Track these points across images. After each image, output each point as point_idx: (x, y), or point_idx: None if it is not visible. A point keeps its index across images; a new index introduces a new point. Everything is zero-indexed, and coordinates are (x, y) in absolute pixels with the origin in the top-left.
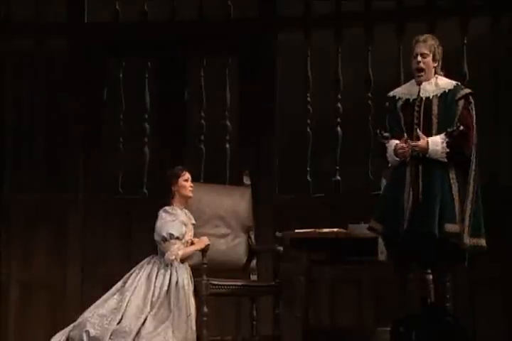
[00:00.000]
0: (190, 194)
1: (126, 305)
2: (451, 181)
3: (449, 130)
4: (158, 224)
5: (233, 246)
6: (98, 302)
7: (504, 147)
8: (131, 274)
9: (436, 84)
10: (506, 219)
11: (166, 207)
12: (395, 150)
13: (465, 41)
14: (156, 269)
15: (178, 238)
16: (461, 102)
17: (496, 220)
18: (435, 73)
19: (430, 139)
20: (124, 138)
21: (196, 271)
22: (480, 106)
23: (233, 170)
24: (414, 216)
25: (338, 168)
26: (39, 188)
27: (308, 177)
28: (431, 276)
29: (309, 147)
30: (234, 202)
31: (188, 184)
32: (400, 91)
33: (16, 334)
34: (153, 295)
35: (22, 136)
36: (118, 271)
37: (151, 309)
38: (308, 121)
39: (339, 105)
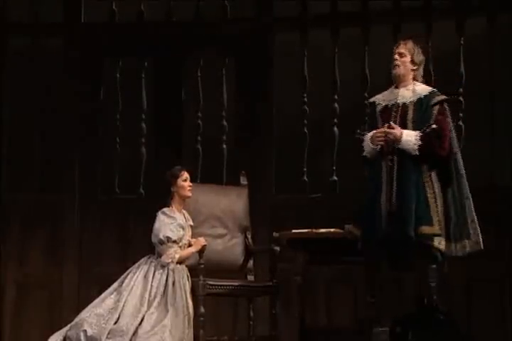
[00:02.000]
0: (189, 194)
1: (124, 304)
2: (426, 184)
3: (422, 129)
4: (156, 226)
5: (230, 246)
6: (95, 301)
7: (502, 147)
8: (128, 274)
9: (414, 91)
10: (505, 219)
11: (165, 209)
12: (372, 137)
13: (462, 41)
14: (152, 269)
15: (175, 241)
16: (436, 108)
17: (495, 220)
18: (414, 78)
19: (405, 131)
20: (121, 138)
21: (193, 271)
22: (477, 106)
23: (230, 171)
24: (390, 219)
25: (334, 168)
26: (35, 188)
27: (305, 178)
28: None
29: (306, 147)
30: (231, 202)
31: (187, 184)
32: (380, 98)
33: (13, 334)
34: (150, 295)
35: (18, 136)
36: (114, 271)
37: (148, 308)
38: (305, 121)
39: (336, 105)
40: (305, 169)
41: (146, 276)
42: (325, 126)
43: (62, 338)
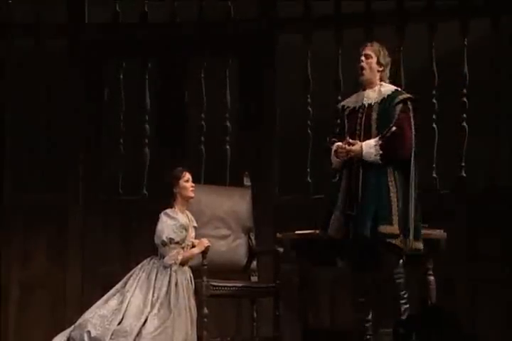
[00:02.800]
0: (192, 194)
1: (127, 305)
2: (390, 183)
3: (382, 133)
4: (159, 227)
5: (233, 247)
6: (99, 302)
7: (504, 148)
8: (131, 275)
9: (379, 91)
10: (505, 220)
11: (168, 210)
12: (335, 151)
13: (465, 42)
14: (155, 270)
15: (177, 243)
16: (399, 106)
17: (495, 220)
18: (381, 79)
19: (364, 143)
20: (124, 138)
21: (196, 272)
22: (480, 106)
23: (233, 171)
24: (350, 219)
25: None
26: (39, 189)
27: (309, 178)
28: (432, 277)
29: (309, 148)
30: (234, 203)
31: (189, 184)
32: (349, 101)
33: (16, 334)
34: (153, 296)
35: (22, 137)
36: (118, 272)
37: (152, 309)
38: (309, 122)
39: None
40: (308, 170)
41: (149, 277)
42: (328, 126)
43: (65, 339)
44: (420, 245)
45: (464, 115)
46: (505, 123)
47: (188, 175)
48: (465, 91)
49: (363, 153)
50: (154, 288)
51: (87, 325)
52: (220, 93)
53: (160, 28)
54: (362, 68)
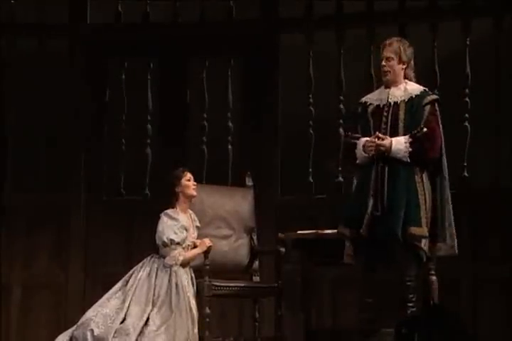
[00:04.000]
0: (195, 193)
1: (129, 304)
2: (418, 185)
3: (413, 132)
4: (160, 228)
5: (235, 247)
6: (100, 301)
7: (505, 148)
8: (132, 273)
9: (405, 90)
10: (508, 219)
11: (168, 211)
12: (364, 145)
13: (468, 42)
14: (155, 269)
15: (178, 243)
16: (428, 107)
17: (497, 220)
18: (405, 77)
19: (394, 139)
20: (126, 139)
21: (198, 272)
22: (482, 106)
23: (235, 172)
24: (379, 219)
25: (340, 169)
26: (41, 189)
27: (311, 179)
28: (434, 277)
29: (311, 148)
30: (236, 203)
31: (191, 183)
32: (371, 97)
33: (19, 334)
34: (154, 294)
35: (24, 136)
36: (120, 272)
37: (153, 308)
38: (311, 122)
39: (341, 106)
40: (310, 170)
41: (149, 275)
42: (330, 126)
43: (68, 338)
44: (448, 248)
45: (466, 115)
46: (508, 123)
47: (189, 175)
48: (467, 91)
49: (392, 148)
50: (155, 286)
51: (90, 323)
52: (222, 93)
53: (162, 28)
54: (385, 72)
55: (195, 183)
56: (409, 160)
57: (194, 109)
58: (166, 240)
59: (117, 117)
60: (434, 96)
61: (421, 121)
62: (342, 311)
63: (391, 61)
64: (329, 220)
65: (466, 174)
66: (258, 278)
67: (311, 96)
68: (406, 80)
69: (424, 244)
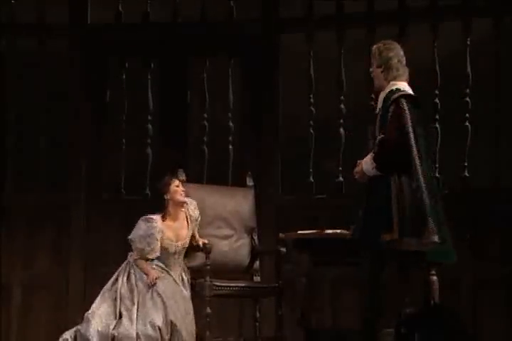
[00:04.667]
0: (183, 198)
1: (120, 303)
2: (393, 185)
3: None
4: (134, 230)
5: (236, 247)
6: (98, 300)
7: (505, 149)
8: (120, 271)
9: (382, 95)
10: (509, 220)
11: (150, 218)
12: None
13: (468, 42)
14: (133, 270)
15: (137, 249)
16: (392, 108)
17: (498, 220)
18: (386, 79)
19: (363, 160)
20: (127, 139)
21: (199, 273)
22: (482, 106)
23: (236, 172)
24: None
25: (340, 169)
26: (41, 189)
27: (311, 179)
28: (435, 277)
29: (312, 148)
30: (237, 203)
31: (180, 189)
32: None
33: (19, 334)
34: (138, 293)
35: (24, 136)
36: None
37: (138, 306)
38: (311, 122)
39: (342, 106)
40: (311, 170)
41: (129, 278)
42: (331, 126)
43: (73, 333)
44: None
45: (467, 115)
46: (508, 122)
47: (177, 181)
48: (468, 91)
49: (364, 171)
50: (136, 286)
51: (94, 317)
52: (222, 93)
53: (162, 28)
54: (373, 79)
55: (183, 189)
56: (381, 173)
57: (194, 109)
58: (131, 237)
59: (118, 117)
60: (398, 94)
61: (385, 125)
62: (342, 311)
63: (372, 67)
64: (330, 220)
65: (466, 174)
66: (259, 278)
67: (311, 96)
68: (392, 82)
69: (398, 243)
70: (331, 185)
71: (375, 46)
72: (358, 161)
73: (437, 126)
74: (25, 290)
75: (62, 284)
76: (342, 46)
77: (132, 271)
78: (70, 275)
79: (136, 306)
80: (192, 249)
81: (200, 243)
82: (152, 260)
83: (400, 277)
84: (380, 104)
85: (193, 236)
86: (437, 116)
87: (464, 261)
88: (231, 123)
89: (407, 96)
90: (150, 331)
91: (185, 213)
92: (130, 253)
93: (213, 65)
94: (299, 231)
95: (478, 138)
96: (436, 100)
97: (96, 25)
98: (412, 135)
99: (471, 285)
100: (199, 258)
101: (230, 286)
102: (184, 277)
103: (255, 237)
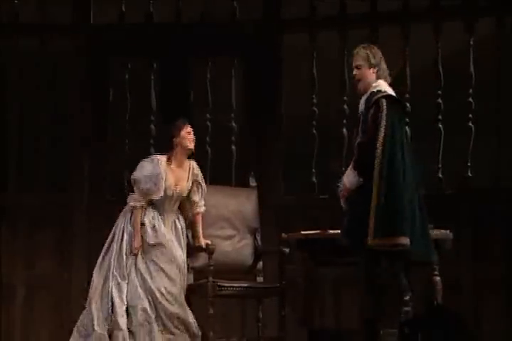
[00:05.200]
0: (191, 146)
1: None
2: (374, 186)
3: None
4: (137, 169)
5: (239, 247)
6: (94, 278)
7: (509, 148)
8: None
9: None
10: (509, 221)
11: (155, 157)
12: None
13: (471, 42)
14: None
15: (143, 191)
16: (372, 111)
17: (500, 220)
18: (378, 78)
19: (343, 177)
20: (129, 139)
21: (202, 273)
22: (484, 106)
23: (239, 172)
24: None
25: (343, 169)
26: (43, 189)
27: (314, 179)
28: (438, 278)
29: (315, 148)
30: (240, 203)
31: (191, 137)
32: (360, 106)
33: (22, 334)
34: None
35: (26, 136)
36: None
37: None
38: (314, 122)
39: (345, 106)
40: (314, 170)
41: (121, 246)
42: (334, 127)
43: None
44: (397, 240)
45: (470, 115)
46: (509, 122)
47: (189, 128)
48: (471, 91)
49: (349, 187)
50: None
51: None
52: (225, 93)
53: (165, 29)
54: (357, 80)
55: (194, 138)
56: (364, 181)
57: (197, 109)
58: (134, 177)
59: (120, 117)
60: (378, 96)
61: (365, 127)
62: (345, 311)
63: (361, 68)
64: (332, 220)
65: (469, 174)
66: (261, 278)
67: (314, 96)
68: (378, 81)
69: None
70: (333, 186)
71: (362, 47)
72: (339, 182)
73: (440, 126)
74: (28, 289)
75: (65, 284)
76: (345, 46)
77: (126, 235)
78: (72, 275)
79: (126, 282)
80: (195, 249)
81: (203, 243)
82: (151, 204)
83: (399, 277)
84: (361, 106)
85: (196, 237)
86: (440, 116)
87: (466, 261)
88: (234, 124)
89: (387, 96)
90: (139, 316)
91: (190, 166)
92: (129, 197)
93: (216, 65)
94: (302, 232)
95: (480, 138)
96: (439, 100)
97: (99, 25)
98: (383, 135)
99: (472, 285)
100: (202, 259)
101: (232, 286)
102: (178, 224)
103: (258, 237)
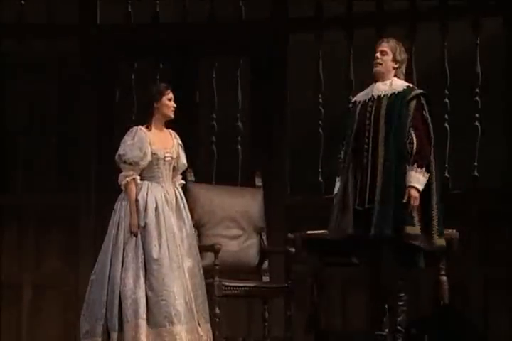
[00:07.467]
0: (172, 114)
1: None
2: (408, 182)
3: (411, 159)
4: (121, 144)
5: (245, 247)
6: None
7: None
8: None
9: (390, 85)
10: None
11: (135, 129)
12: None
13: (478, 41)
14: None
15: (130, 164)
16: (413, 103)
17: (507, 220)
18: (395, 75)
19: (411, 180)
20: None
21: (208, 272)
22: (492, 105)
23: (245, 172)
24: (364, 218)
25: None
26: (51, 189)
27: (320, 178)
28: (445, 278)
29: (321, 148)
30: (246, 203)
31: (171, 104)
32: (360, 95)
33: (30, 334)
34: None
35: (34, 137)
36: None
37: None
38: (320, 122)
39: (351, 106)
40: (320, 170)
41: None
42: (340, 126)
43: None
44: (443, 241)
45: (477, 114)
46: None
47: (171, 94)
48: (477, 90)
49: (419, 188)
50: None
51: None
52: (231, 93)
53: (172, 29)
54: (377, 63)
55: (175, 105)
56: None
57: (203, 109)
58: (119, 154)
59: (127, 117)
60: (419, 91)
61: (407, 119)
62: (351, 311)
63: (385, 55)
64: None
65: (476, 174)
66: (268, 278)
67: (320, 95)
68: (395, 78)
69: (421, 240)
70: None
71: (394, 40)
72: (409, 192)
73: (447, 125)
74: (35, 290)
75: (72, 284)
76: (351, 46)
77: (121, 226)
78: (79, 276)
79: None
80: (201, 248)
81: None
82: (151, 178)
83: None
84: (386, 92)
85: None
86: (447, 116)
87: (473, 261)
88: (240, 123)
89: (425, 94)
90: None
91: (169, 132)
92: (119, 178)
93: (222, 65)
94: (308, 231)
95: (488, 137)
96: (446, 100)
97: (105, 25)
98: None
99: (480, 285)
100: (208, 258)
101: (239, 286)
102: (177, 193)
103: (264, 237)
